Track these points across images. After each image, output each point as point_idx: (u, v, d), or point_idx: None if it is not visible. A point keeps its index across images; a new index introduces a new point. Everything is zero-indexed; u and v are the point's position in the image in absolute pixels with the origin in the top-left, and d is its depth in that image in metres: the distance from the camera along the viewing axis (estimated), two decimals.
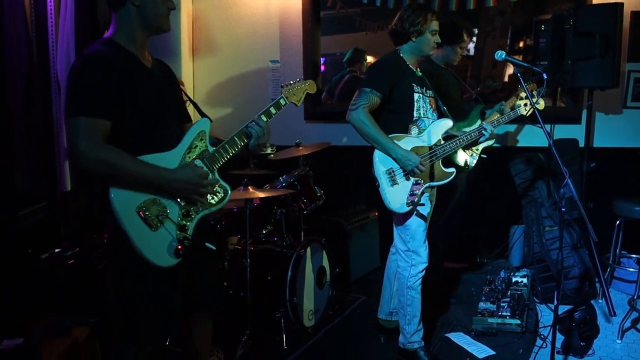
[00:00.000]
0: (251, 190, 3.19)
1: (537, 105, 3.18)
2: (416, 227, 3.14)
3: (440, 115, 3.34)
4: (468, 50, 4.88)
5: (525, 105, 3.29)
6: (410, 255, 3.16)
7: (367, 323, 3.73)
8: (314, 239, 3.66)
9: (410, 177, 3.07)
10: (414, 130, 3.15)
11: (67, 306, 2.91)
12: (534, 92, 3.30)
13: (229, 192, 2.28)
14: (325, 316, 3.72)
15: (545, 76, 2.89)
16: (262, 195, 3.19)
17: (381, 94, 3.07)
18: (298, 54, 4.80)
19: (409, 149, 3.07)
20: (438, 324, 3.73)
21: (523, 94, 3.39)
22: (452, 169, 3.17)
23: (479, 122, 3.85)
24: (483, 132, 3.20)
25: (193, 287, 2.30)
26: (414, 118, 3.14)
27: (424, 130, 3.16)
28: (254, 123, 2.32)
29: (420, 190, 3.08)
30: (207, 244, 2.24)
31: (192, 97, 4.56)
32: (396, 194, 3.06)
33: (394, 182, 3.07)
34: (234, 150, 2.29)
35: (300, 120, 4.87)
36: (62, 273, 2.91)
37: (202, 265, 2.33)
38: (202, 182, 2.16)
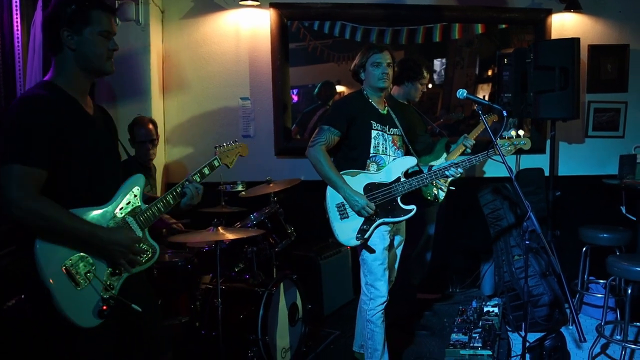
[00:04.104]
0: (221, 231, 3.20)
1: (523, 146, 3.26)
2: (371, 261, 3.16)
3: (407, 152, 3.37)
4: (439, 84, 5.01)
5: (511, 144, 3.27)
6: (369, 288, 3.19)
7: (340, 358, 3.74)
8: (285, 276, 3.66)
9: None
10: (373, 167, 3.19)
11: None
12: (519, 132, 3.30)
13: (157, 251, 2.24)
14: (298, 353, 3.70)
15: (505, 113, 2.98)
16: (232, 236, 3.20)
17: (338, 131, 3.16)
18: (268, 90, 4.84)
19: (363, 184, 3.13)
20: (411, 356, 3.74)
21: (509, 133, 3.34)
22: (412, 207, 3.16)
23: (444, 155, 3.93)
24: (448, 173, 3.14)
25: (138, 336, 2.24)
26: (371, 154, 3.18)
27: (383, 167, 3.20)
28: (188, 182, 2.32)
29: (373, 226, 3.11)
30: (132, 305, 2.09)
31: (162, 136, 4.60)
32: (345, 228, 3.13)
33: (344, 216, 3.13)
34: (166, 209, 2.27)
35: (270, 156, 4.89)
36: None
37: (145, 311, 2.20)
38: (134, 247, 2.09)
